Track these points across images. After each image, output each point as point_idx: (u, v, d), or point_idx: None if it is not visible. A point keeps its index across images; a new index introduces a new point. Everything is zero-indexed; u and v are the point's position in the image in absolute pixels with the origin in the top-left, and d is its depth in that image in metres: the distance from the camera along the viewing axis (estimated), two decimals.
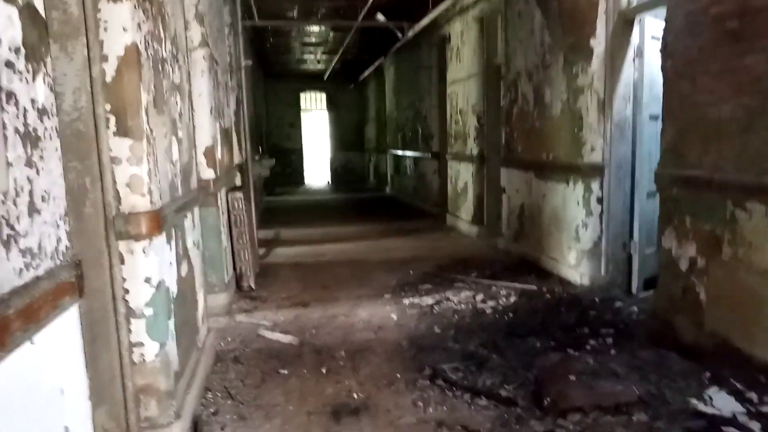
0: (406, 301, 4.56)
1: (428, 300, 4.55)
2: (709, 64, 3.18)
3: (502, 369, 3.24)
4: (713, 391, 2.88)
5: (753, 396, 2.80)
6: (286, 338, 3.81)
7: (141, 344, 2.24)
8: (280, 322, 4.19)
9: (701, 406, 2.76)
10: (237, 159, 5.70)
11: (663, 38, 3.58)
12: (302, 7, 9.49)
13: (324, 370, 3.29)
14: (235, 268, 4.99)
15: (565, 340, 3.63)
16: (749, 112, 2.94)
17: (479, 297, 4.58)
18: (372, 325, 4.07)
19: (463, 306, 4.39)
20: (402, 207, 11.20)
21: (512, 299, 4.53)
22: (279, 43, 12.54)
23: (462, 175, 7.99)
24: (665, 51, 3.56)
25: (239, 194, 5.03)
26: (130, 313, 2.20)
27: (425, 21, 8.16)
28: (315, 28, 11.31)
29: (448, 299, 4.56)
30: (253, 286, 5.03)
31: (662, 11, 4.03)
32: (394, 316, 4.23)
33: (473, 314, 4.21)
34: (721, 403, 2.78)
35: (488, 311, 4.26)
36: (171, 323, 2.45)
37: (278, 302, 4.68)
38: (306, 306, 4.55)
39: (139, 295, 2.21)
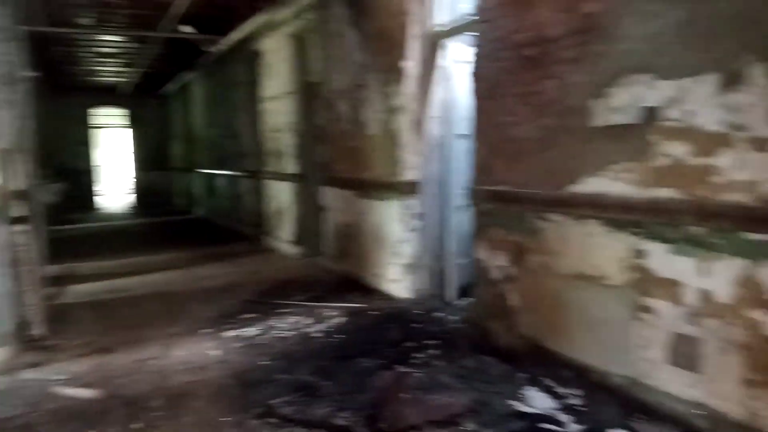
0: (229, 334, 4.23)
1: (252, 330, 4.29)
2: (513, 87, 3.47)
3: (335, 396, 3.13)
4: (530, 392, 3.09)
5: (563, 391, 3.06)
6: (86, 393, 3.26)
7: None
8: (79, 374, 3.59)
9: (522, 407, 2.93)
10: (19, 185, 4.84)
11: (474, 62, 3.84)
12: (98, 15, 8.55)
13: (138, 425, 2.87)
14: (18, 315, 4.19)
15: (394, 357, 3.66)
16: (547, 131, 3.25)
17: (306, 321, 4.45)
18: (191, 365, 3.69)
19: (290, 333, 4.21)
20: (217, 230, 10.61)
21: (340, 320, 4.47)
22: (69, 53, 11.17)
23: (281, 194, 7.81)
24: (475, 74, 3.82)
25: (23, 227, 4.25)
26: None
27: (235, 35, 7.89)
28: (112, 38, 10.28)
29: (274, 327, 4.35)
30: (42, 333, 4.27)
31: (467, 36, 4.34)
32: (216, 352, 3.89)
33: (301, 340, 4.05)
34: (538, 401, 2.99)
35: (317, 335, 4.14)
36: None
37: (75, 350, 4.02)
38: (110, 351, 3.98)
39: None
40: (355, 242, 5.78)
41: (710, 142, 2.44)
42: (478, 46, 3.84)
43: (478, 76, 3.85)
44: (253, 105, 8.79)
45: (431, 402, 3.01)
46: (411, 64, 4.69)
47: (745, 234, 2.34)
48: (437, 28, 4.64)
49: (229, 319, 4.62)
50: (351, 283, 5.58)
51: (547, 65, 3.23)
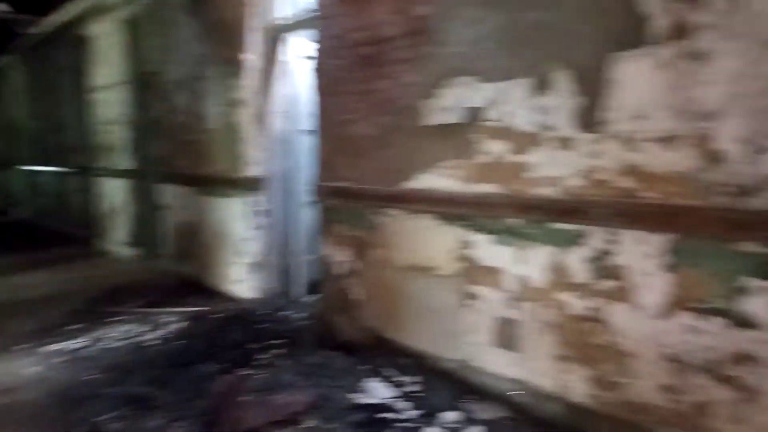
0: (50, 349, 3.81)
1: (80, 342, 3.91)
2: (352, 85, 3.51)
3: (171, 405, 2.96)
4: (371, 383, 3.17)
5: (402, 379, 3.18)
6: None
7: None
8: None
9: (362, 399, 3.00)
10: None
11: (315, 58, 3.82)
12: None
13: None
14: None
15: (236, 360, 3.54)
16: (384, 130, 3.33)
17: (141, 329, 4.15)
18: (3, 386, 3.27)
19: (122, 342, 3.90)
20: (41, 232, 9.51)
21: (179, 325, 4.23)
22: None
23: (114, 192, 7.21)
24: (317, 71, 3.81)
25: None
26: None
27: (58, 17, 7.11)
28: None
29: (103, 337, 4.00)
30: None
31: (310, 32, 4.32)
32: (34, 369, 3.49)
33: (135, 350, 3.77)
34: (378, 392, 3.07)
35: (152, 343, 3.88)
36: None
37: None
38: None
39: None
40: (196, 242, 5.50)
41: (524, 141, 2.67)
42: (319, 42, 3.83)
43: (320, 72, 3.84)
44: (81, 95, 8.01)
45: (273, 402, 2.96)
46: (252, 57, 4.56)
47: (554, 224, 2.59)
48: (279, 22, 4.56)
49: (51, 332, 4.16)
50: (192, 286, 5.30)
51: (383, 65, 3.32)
